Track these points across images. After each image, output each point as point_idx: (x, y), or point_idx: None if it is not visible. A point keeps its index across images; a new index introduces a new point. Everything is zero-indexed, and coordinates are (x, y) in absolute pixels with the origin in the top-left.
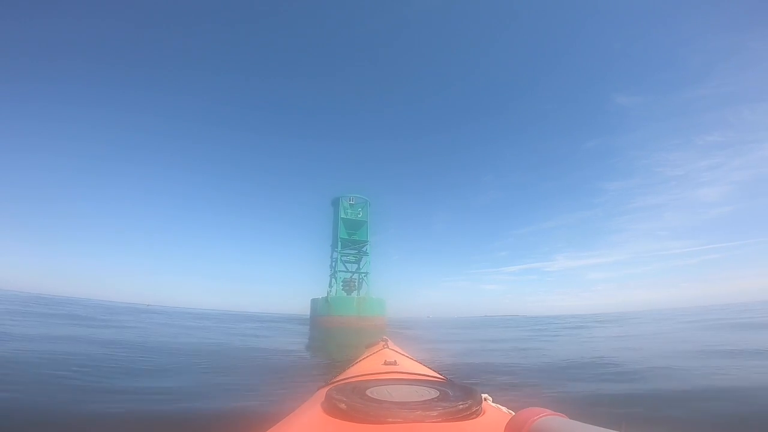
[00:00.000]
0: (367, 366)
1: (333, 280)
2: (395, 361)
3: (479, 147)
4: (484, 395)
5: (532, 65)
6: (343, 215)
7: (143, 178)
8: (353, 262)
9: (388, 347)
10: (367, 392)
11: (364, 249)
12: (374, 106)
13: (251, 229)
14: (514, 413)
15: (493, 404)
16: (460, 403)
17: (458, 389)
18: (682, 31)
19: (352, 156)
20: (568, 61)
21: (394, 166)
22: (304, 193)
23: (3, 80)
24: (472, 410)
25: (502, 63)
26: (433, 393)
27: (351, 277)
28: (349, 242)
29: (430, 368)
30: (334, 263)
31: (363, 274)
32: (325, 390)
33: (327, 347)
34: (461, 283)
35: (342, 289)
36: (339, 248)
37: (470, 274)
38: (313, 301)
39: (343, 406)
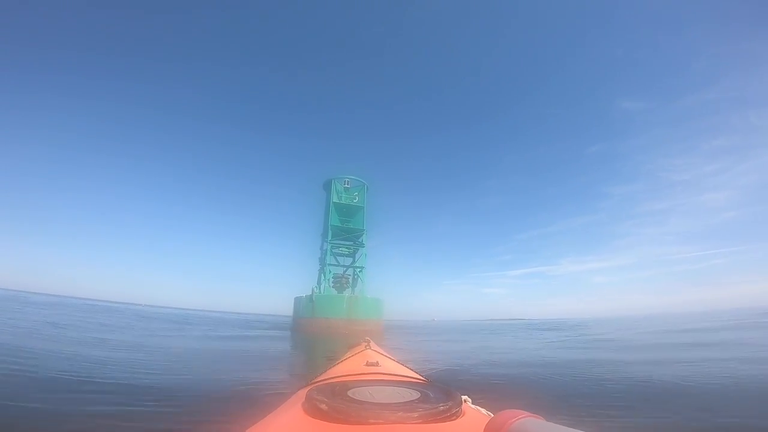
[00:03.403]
0: (348, 367)
1: (322, 275)
2: (377, 362)
3: (482, 151)
4: (464, 397)
5: (535, 70)
6: (335, 199)
7: (122, 175)
8: (346, 255)
9: (370, 348)
10: (349, 393)
11: (359, 240)
12: (376, 105)
13: (241, 228)
14: (492, 415)
15: (473, 406)
16: (441, 404)
17: (439, 391)
18: (688, 37)
19: (351, 152)
20: (572, 66)
21: (396, 167)
22: (297, 186)
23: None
24: (452, 412)
25: (505, 67)
26: (414, 394)
27: (344, 272)
28: (342, 231)
29: (412, 369)
30: (323, 256)
31: (358, 270)
32: (305, 390)
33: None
34: (464, 287)
35: (332, 286)
36: (329, 238)
37: (473, 278)
38: (297, 300)
39: (323, 406)
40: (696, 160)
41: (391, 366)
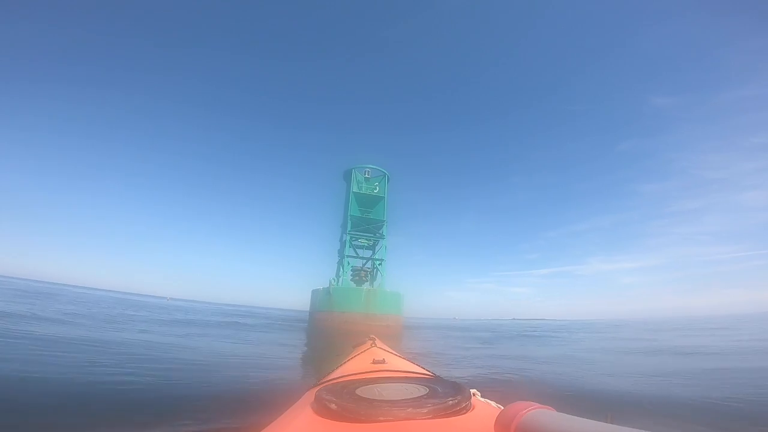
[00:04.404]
0: (355, 365)
1: (341, 268)
2: (383, 359)
3: (508, 146)
4: (472, 390)
5: (563, 63)
6: (355, 189)
7: (140, 172)
8: (366, 248)
9: (375, 346)
10: (357, 391)
11: (380, 231)
12: (398, 99)
13: (261, 222)
14: (502, 408)
15: (482, 399)
16: (450, 399)
17: (447, 385)
18: (722, 31)
19: (371, 147)
20: (601, 60)
21: (418, 162)
22: (318, 179)
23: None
24: (461, 406)
25: (532, 61)
26: (423, 390)
27: (363, 265)
28: (362, 221)
29: (419, 365)
30: (342, 247)
31: (377, 262)
32: (314, 390)
33: None
34: (488, 285)
35: (351, 279)
36: (349, 228)
37: (497, 276)
38: (314, 293)
39: (333, 406)
40: (733, 157)
41: (397, 363)
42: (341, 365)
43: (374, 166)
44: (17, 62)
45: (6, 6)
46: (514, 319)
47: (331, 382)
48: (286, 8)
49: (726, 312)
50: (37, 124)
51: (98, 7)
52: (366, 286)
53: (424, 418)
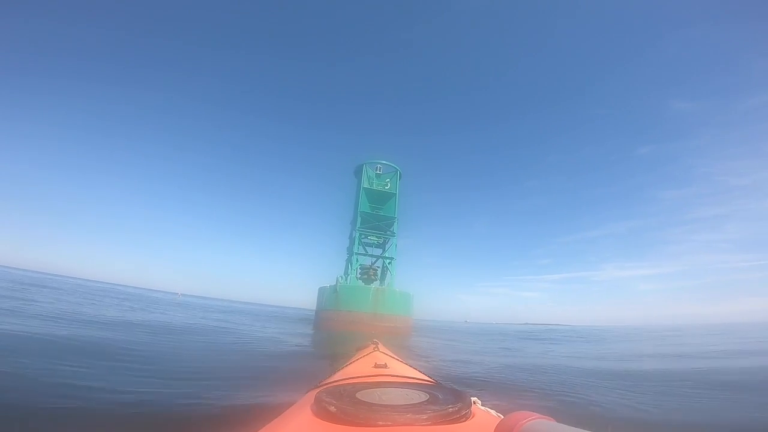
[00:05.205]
0: (357, 369)
1: (349, 265)
2: (385, 364)
3: (524, 149)
4: (473, 398)
5: (583, 66)
6: (366, 185)
7: (148, 171)
8: (376, 246)
9: (378, 350)
10: (357, 395)
11: (390, 229)
12: (412, 100)
13: (273, 221)
14: (502, 417)
15: (482, 407)
16: (450, 406)
17: (448, 392)
18: (746, 35)
19: (384, 147)
20: (620, 63)
21: (431, 164)
22: (328, 178)
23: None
24: (461, 413)
25: (552, 63)
26: (423, 396)
27: (372, 263)
28: (372, 218)
29: (421, 371)
30: (351, 245)
31: (387, 261)
32: (314, 392)
33: None
34: (500, 289)
35: (359, 278)
36: (358, 225)
37: (509, 281)
38: (321, 291)
39: (332, 408)
40: (757, 163)
41: (399, 368)
42: (342, 368)
43: (386, 162)
44: (19, 60)
45: (28, 4)
46: (526, 323)
47: (331, 384)
48: (303, 9)
49: (751, 320)
50: (58, 121)
51: (113, 6)
52: (375, 285)
53: (424, 425)
